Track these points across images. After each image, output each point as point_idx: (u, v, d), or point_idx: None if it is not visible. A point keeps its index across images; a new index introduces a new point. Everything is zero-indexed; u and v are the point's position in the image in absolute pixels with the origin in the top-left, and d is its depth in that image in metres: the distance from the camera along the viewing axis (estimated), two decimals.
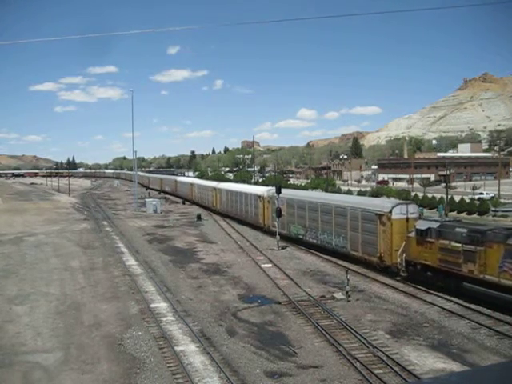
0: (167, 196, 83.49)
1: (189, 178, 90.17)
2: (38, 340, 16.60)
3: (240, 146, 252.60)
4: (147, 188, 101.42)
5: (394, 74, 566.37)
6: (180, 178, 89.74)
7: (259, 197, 39.63)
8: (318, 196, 33.91)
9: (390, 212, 24.09)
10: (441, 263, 20.54)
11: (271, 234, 35.58)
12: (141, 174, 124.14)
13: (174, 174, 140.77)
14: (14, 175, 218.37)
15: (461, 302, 19.56)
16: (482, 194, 66.78)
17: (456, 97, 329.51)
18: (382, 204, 25.93)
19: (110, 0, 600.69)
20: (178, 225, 46.67)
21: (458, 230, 20.12)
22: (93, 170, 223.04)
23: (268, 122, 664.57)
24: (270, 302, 20.58)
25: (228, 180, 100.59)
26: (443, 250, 20.41)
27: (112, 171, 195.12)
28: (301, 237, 32.54)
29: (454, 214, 47.90)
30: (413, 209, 24.86)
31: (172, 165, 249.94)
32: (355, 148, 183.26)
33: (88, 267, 28.15)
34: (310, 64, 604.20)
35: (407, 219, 24.17)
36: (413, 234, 22.27)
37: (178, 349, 15.55)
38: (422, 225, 21.86)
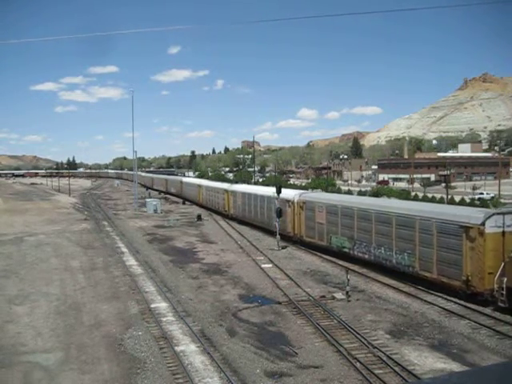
0: (167, 196, 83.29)
1: (196, 179, 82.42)
2: (38, 340, 16.60)
3: (240, 146, 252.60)
4: (148, 188, 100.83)
5: (395, 74, 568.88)
6: (186, 179, 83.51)
7: (288, 201, 34.69)
8: (371, 203, 28.40)
9: (483, 224, 19.12)
10: None
11: (304, 244, 32.40)
12: (143, 174, 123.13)
13: (174, 174, 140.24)
14: (14, 175, 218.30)
15: (461, 302, 19.55)
16: (482, 194, 66.85)
17: (456, 97, 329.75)
18: (470, 214, 20.61)
19: (111, 0, 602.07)
20: (179, 225, 46.66)
21: None
22: (96, 170, 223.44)
23: (269, 122, 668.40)
24: (271, 302, 20.58)
25: (228, 180, 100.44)
26: None
27: (114, 171, 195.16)
28: (346, 250, 27.71)
29: None
30: (510, 220, 19.54)
31: (172, 165, 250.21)
32: (355, 148, 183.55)
33: (88, 267, 28.15)
34: (310, 64, 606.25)
35: (503, 233, 19.23)
36: None
37: (178, 349, 15.55)
38: None
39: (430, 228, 21.41)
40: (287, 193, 37.14)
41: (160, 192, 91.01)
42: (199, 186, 63.62)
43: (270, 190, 40.02)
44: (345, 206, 28.23)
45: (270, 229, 38.06)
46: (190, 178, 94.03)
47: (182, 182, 78.13)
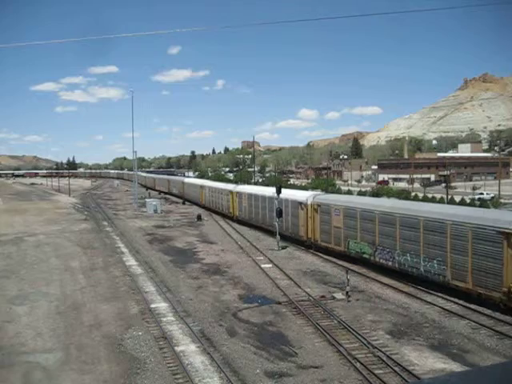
0: (168, 196, 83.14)
1: (198, 180, 78.27)
2: (38, 340, 16.60)
3: (240, 147, 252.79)
4: (147, 188, 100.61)
5: (395, 74, 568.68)
6: (188, 180, 79.70)
7: (300, 204, 32.70)
8: (395, 205, 25.84)
9: None
10: None
11: (319, 249, 30.68)
12: (144, 174, 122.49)
13: (174, 174, 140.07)
14: (14, 175, 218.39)
15: (461, 302, 19.56)
16: (482, 194, 66.93)
17: (456, 97, 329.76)
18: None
19: (111, 0, 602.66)
20: (179, 225, 46.66)
21: None
22: (98, 171, 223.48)
23: (269, 122, 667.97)
24: (270, 302, 20.58)
25: (229, 180, 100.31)
26: None
27: (116, 172, 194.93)
28: (366, 256, 25.99)
29: None
30: None
31: (172, 165, 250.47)
32: (355, 148, 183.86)
33: (88, 267, 28.15)
34: (311, 64, 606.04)
35: None
36: None
37: (178, 349, 15.55)
38: None
39: (464, 234, 19.69)
40: (299, 194, 35.54)
41: (162, 193, 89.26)
42: (202, 186, 61.34)
43: (283, 193, 37.53)
44: (365, 209, 26.25)
45: (282, 233, 35.04)
46: (193, 179, 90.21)
47: (183, 182, 75.21)
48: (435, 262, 21.11)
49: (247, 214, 43.52)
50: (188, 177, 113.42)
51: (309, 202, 31.93)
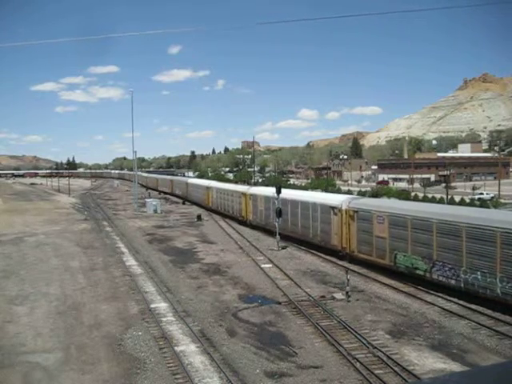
0: (167, 196, 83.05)
1: (205, 181, 73.09)
2: (38, 340, 16.60)
3: (240, 147, 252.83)
4: (148, 188, 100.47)
5: (395, 74, 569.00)
6: (192, 180, 76.37)
7: (333, 209, 29.23)
8: (460, 213, 21.52)
9: None
10: None
11: (355, 261, 27.17)
12: (145, 174, 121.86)
13: (174, 174, 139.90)
14: (14, 175, 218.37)
15: (461, 302, 19.55)
16: (482, 194, 66.98)
17: (456, 97, 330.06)
18: None
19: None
20: (178, 225, 46.68)
21: None
22: (100, 171, 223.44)
23: (269, 122, 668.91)
24: (270, 302, 20.58)
25: (228, 180, 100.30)
26: None
27: (117, 172, 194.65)
28: (420, 272, 22.16)
29: None
30: None
31: (172, 165, 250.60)
32: (355, 148, 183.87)
33: (88, 267, 28.16)
34: (311, 64, 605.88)
35: None
36: None
37: (178, 349, 15.56)
38: None
39: None
40: (331, 198, 32.07)
41: (164, 193, 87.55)
42: (208, 187, 58.11)
43: (310, 196, 34.66)
44: (418, 217, 22.56)
45: (304, 240, 32.76)
46: (198, 179, 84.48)
47: (187, 183, 72.00)
48: None
49: (264, 218, 39.72)
50: (190, 177, 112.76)
51: (343, 207, 28.45)
